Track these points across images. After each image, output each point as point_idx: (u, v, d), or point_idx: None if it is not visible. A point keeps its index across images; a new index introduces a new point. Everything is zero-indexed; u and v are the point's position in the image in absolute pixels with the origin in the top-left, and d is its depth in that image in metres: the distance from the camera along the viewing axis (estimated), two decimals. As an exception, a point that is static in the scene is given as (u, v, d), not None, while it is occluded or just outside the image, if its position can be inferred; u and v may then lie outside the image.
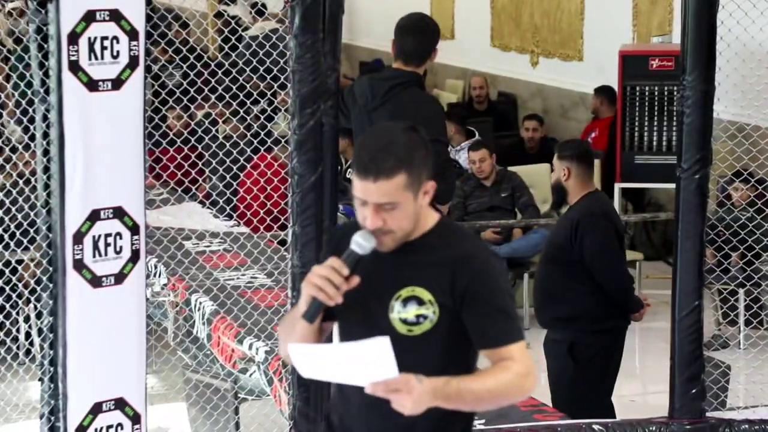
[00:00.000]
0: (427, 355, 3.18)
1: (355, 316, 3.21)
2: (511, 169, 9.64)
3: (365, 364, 3.02)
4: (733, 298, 8.11)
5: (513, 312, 3.30)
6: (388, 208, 3.14)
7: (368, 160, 3.12)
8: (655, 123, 10.26)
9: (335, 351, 3.11)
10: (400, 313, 3.19)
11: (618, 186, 10.29)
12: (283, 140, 6.38)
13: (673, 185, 5.97)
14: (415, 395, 3.02)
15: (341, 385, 3.26)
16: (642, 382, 7.83)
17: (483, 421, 6.39)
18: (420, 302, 3.19)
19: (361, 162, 3.13)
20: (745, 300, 8.09)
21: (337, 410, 3.36)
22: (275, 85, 6.80)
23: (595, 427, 5.98)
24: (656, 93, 10.24)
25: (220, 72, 5.90)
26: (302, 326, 3.18)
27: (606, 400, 6.26)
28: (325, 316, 3.23)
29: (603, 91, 11.33)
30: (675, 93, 6.05)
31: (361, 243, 3.14)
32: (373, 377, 3.02)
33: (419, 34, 5.95)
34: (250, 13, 13.54)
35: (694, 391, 5.93)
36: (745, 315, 8.10)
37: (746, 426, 5.96)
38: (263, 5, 13.62)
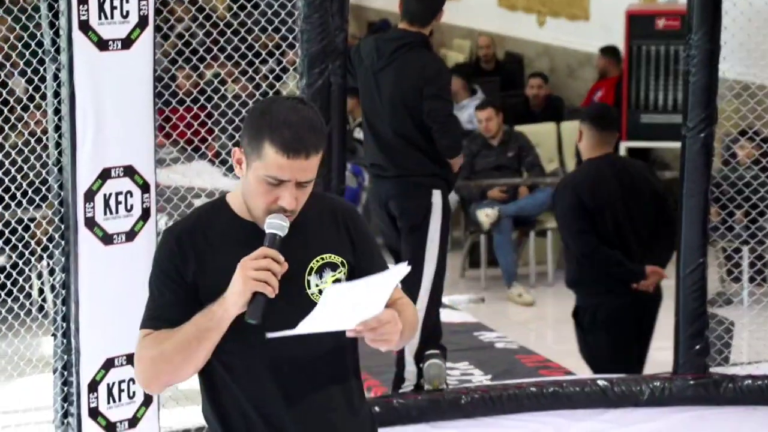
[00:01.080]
0: None
1: (276, 301, 2.95)
2: (517, 128, 9.63)
3: (367, 298, 2.92)
4: (737, 256, 8.11)
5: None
6: (305, 185, 3.00)
7: (298, 137, 2.94)
8: (661, 82, 10.24)
9: (361, 285, 2.95)
10: (318, 285, 3.07)
11: (624, 145, 10.28)
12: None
13: (678, 144, 5.98)
14: (399, 325, 2.98)
15: (255, 378, 3.06)
16: (647, 339, 7.86)
17: (489, 376, 6.44)
18: (333, 267, 3.10)
19: (286, 137, 2.93)
20: (749, 257, 8.09)
21: (240, 414, 3.10)
22: (284, 45, 6.78)
23: (600, 382, 6.02)
24: (662, 52, 10.22)
25: (229, 31, 5.88)
26: (219, 334, 2.95)
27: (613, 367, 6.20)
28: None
29: (609, 51, 11.30)
30: (681, 52, 6.01)
31: (280, 224, 2.98)
32: (363, 316, 2.92)
33: None
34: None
35: (698, 347, 5.96)
36: (748, 272, 8.10)
37: (749, 381, 5.99)
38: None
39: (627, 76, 10.38)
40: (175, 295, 3.02)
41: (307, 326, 2.91)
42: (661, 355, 6.39)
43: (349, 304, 2.91)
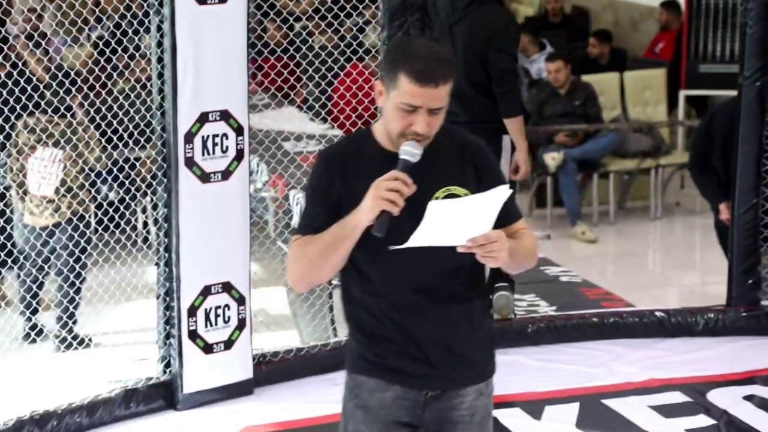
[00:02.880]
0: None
1: (401, 221, 3.05)
2: (584, 78, 9.53)
3: (474, 218, 3.00)
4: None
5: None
6: (437, 113, 3.08)
7: (426, 65, 3.04)
8: (719, 34, 10.08)
9: (468, 202, 3.05)
10: None
11: (683, 93, 10.16)
12: (373, 50, 6.36)
13: (734, 92, 5.92)
14: (507, 244, 3.03)
15: (384, 285, 3.17)
16: (701, 274, 7.82)
17: (554, 307, 6.44)
18: (457, 198, 3.12)
19: (419, 68, 3.03)
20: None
21: (371, 315, 3.22)
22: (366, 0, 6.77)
23: (657, 314, 6.00)
24: (721, 5, 10.05)
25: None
26: (353, 243, 3.07)
27: None
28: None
29: (670, 5, 11.14)
30: (739, 5, 5.92)
31: (412, 152, 3.06)
32: (470, 233, 3.00)
33: None
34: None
35: (750, 281, 5.94)
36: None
37: (798, 314, 5.96)
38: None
39: (687, 28, 10.23)
40: (322, 208, 3.16)
41: (417, 239, 3.00)
42: (715, 289, 6.36)
43: (455, 221, 2.99)
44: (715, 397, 5.26)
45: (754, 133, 5.83)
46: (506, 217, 3.14)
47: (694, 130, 6.39)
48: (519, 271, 3.28)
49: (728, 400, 5.22)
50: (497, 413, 3.77)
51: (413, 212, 3.02)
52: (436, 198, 3.11)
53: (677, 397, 5.25)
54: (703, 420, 5.05)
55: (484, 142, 3.30)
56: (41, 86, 5.72)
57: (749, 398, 5.26)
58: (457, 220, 2.99)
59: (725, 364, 5.59)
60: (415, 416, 3.22)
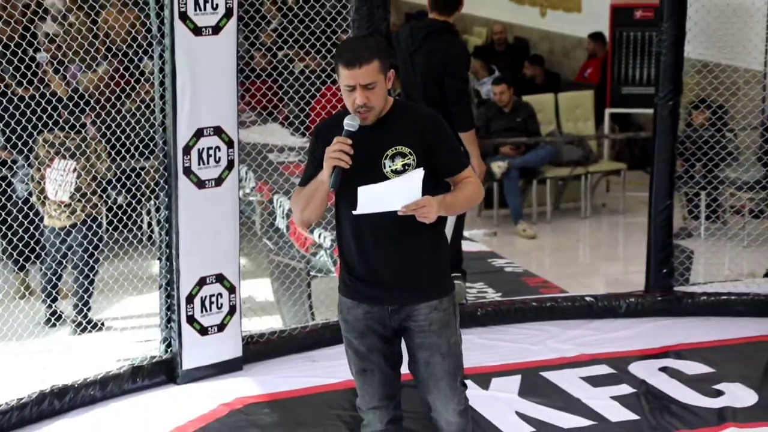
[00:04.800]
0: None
1: (358, 177, 3.42)
2: (525, 98, 9.55)
3: (403, 191, 3.41)
4: (696, 199, 8.07)
5: (459, 147, 3.76)
6: (371, 87, 3.42)
7: (352, 53, 3.41)
8: (638, 61, 10.14)
9: (389, 185, 3.43)
10: (390, 166, 3.48)
11: (608, 111, 10.21)
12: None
13: (651, 110, 5.94)
14: (434, 206, 3.43)
15: (354, 229, 3.54)
16: (624, 265, 7.84)
17: (500, 294, 6.45)
18: (403, 155, 3.48)
19: (347, 57, 3.41)
20: (706, 200, 8.05)
21: (348, 250, 3.60)
22: (339, 31, 6.76)
23: (587, 298, 6.01)
24: (639, 37, 10.11)
25: (296, 21, 5.86)
26: (323, 193, 3.47)
27: None
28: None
29: (597, 36, 11.18)
30: (654, 37, 5.96)
31: (350, 123, 3.44)
32: (404, 202, 3.41)
33: None
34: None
35: (665, 270, 5.95)
36: (705, 212, 8.07)
37: (704, 297, 5.99)
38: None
39: (611, 56, 10.28)
40: (312, 167, 3.58)
41: (361, 209, 3.41)
42: (635, 277, 6.38)
43: (387, 196, 3.41)
44: (635, 369, 5.27)
45: (667, 145, 5.84)
46: (451, 168, 3.56)
47: None
48: (464, 211, 3.80)
49: (646, 371, 5.23)
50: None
51: (368, 168, 3.44)
52: (386, 155, 3.47)
53: (603, 370, 5.26)
54: (625, 389, 5.06)
55: (434, 115, 3.62)
56: (59, 106, 5.67)
57: (664, 369, 5.27)
58: (389, 195, 3.40)
59: (644, 341, 5.61)
60: (383, 325, 3.61)
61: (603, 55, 10.87)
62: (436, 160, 3.52)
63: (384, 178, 3.46)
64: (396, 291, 3.57)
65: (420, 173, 3.41)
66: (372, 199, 3.40)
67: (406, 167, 3.47)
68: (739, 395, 4.95)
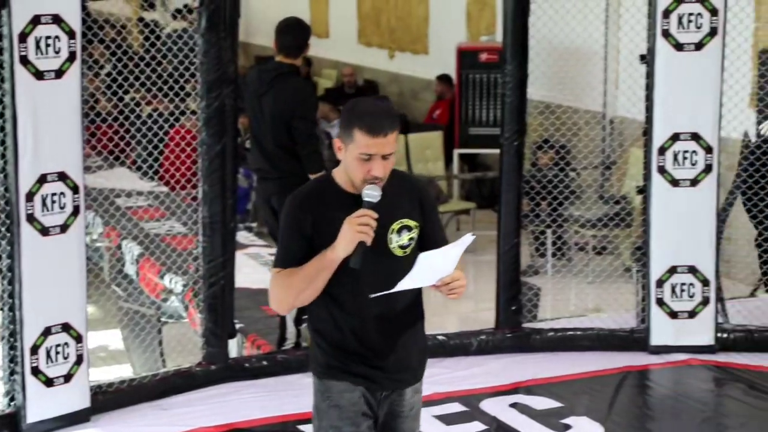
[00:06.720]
0: (409, 266, 3.28)
1: (367, 253, 3.19)
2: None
3: (445, 261, 3.15)
4: (543, 236, 8.27)
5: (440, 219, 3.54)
6: (389, 157, 3.20)
7: (377, 121, 3.15)
8: (485, 102, 10.40)
9: (440, 252, 3.18)
10: (397, 241, 3.27)
11: (456, 151, 10.43)
12: (193, 117, 6.32)
13: (497, 150, 6.05)
14: (465, 282, 3.24)
15: (354, 306, 3.29)
16: (475, 302, 7.94)
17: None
18: (409, 228, 3.29)
19: (370, 123, 3.15)
20: (552, 238, 8.26)
21: (337, 329, 3.33)
22: (186, 74, 6.72)
23: (439, 337, 6.04)
24: (485, 79, 10.37)
25: (142, 63, 5.80)
26: (331, 273, 3.19)
27: None
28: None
29: (444, 78, 11.43)
30: (499, 79, 6.12)
31: (373, 194, 3.17)
32: (440, 275, 3.17)
33: (294, 33, 5.91)
34: (170, 15, 13.30)
35: (513, 307, 6.04)
36: (551, 249, 8.27)
37: (552, 333, 6.10)
38: (178, 10, 13.38)
39: (458, 98, 10.51)
40: (298, 243, 3.25)
41: (405, 284, 3.18)
42: (486, 315, 6.46)
43: (432, 266, 3.16)
44: (487, 405, 5.32)
45: (513, 184, 5.93)
46: (438, 242, 3.34)
47: None
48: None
49: (497, 407, 5.29)
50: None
51: (376, 244, 3.18)
52: (392, 229, 3.26)
53: (456, 408, 5.29)
54: (477, 426, 5.10)
55: (426, 184, 3.48)
56: None
57: (514, 405, 5.34)
58: (434, 265, 3.16)
59: (495, 378, 5.67)
60: (373, 411, 3.37)
61: (450, 97, 11.11)
62: (428, 231, 3.35)
63: (390, 254, 3.25)
64: (396, 375, 3.37)
65: (470, 239, 3.17)
66: (423, 269, 3.12)
67: (411, 242, 3.28)
68: (586, 428, 5.07)
